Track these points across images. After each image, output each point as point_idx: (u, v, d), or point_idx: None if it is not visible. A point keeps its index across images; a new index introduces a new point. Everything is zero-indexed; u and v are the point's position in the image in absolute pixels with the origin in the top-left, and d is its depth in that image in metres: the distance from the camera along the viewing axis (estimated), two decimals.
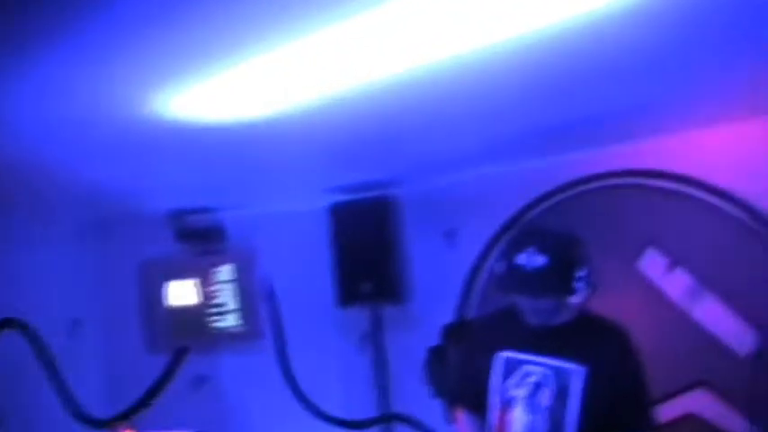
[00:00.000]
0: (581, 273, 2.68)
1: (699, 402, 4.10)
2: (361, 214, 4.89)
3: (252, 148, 3.63)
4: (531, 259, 2.64)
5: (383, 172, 4.58)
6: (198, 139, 3.33)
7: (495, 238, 4.72)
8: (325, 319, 5.32)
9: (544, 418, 2.73)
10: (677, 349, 4.13)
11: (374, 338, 5.06)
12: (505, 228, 4.69)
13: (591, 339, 2.78)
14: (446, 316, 4.93)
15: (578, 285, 2.67)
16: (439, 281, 4.99)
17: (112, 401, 4.77)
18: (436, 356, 4.95)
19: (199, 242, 5.12)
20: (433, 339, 4.98)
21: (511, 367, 2.81)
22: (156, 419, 4.71)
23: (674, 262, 4.17)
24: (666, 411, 4.06)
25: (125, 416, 4.49)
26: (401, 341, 5.13)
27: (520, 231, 2.77)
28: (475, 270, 4.83)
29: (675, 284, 4.17)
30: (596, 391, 2.70)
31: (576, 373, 2.71)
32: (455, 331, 4.87)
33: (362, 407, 5.08)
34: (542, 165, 4.51)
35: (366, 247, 4.85)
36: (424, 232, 5.05)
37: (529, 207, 4.62)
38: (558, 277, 2.66)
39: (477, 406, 2.91)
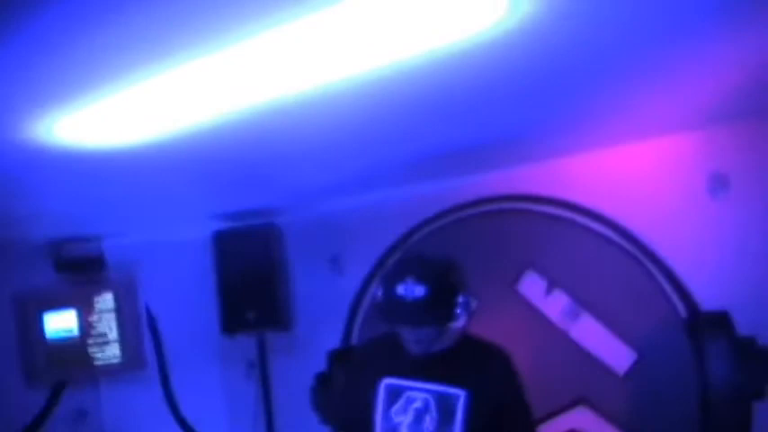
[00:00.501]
0: (460, 299, 2.69)
1: (579, 419, 4.19)
2: (246, 241, 4.85)
3: (133, 175, 3.57)
4: (409, 290, 2.64)
5: (267, 199, 4.56)
6: (79, 164, 3.25)
7: (379, 264, 4.75)
8: (210, 348, 5.25)
9: None
10: (557, 368, 4.20)
11: (260, 366, 5.01)
12: (389, 253, 4.73)
13: (472, 362, 2.82)
14: (331, 342, 4.92)
15: (458, 312, 2.68)
16: (324, 307, 4.98)
17: None
18: (322, 383, 4.93)
19: (78, 271, 5.00)
20: (319, 365, 4.97)
21: (394, 394, 2.81)
22: None
23: (553, 284, 4.27)
24: (549, 429, 4.15)
25: None
26: (286, 368, 5.10)
27: (397, 260, 2.77)
28: (359, 296, 4.84)
29: (554, 305, 4.26)
30: (479, 414, 2.74)
31: (458, 396, 2.74)
32: (340, 357, 4.86)
33: None
34: (426, 190, 4.56)
35: (251, 275, 4.81)
36: (309, 259, 5.05)
37: (412, 232, 4.67)
38: (437, 306, 2.66)
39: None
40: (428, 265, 2.72)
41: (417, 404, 2.78)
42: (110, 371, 5.05)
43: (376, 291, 2.82)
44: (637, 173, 4.05)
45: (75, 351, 4.97)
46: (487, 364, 2.85)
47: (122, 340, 5.00)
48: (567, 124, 3.57)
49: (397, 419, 2.80)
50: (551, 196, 4.27)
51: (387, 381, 2.83)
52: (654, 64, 2.81)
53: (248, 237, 4.85)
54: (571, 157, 4.17)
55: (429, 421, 2.75)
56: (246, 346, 5.10)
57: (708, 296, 3.89)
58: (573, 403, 4.20)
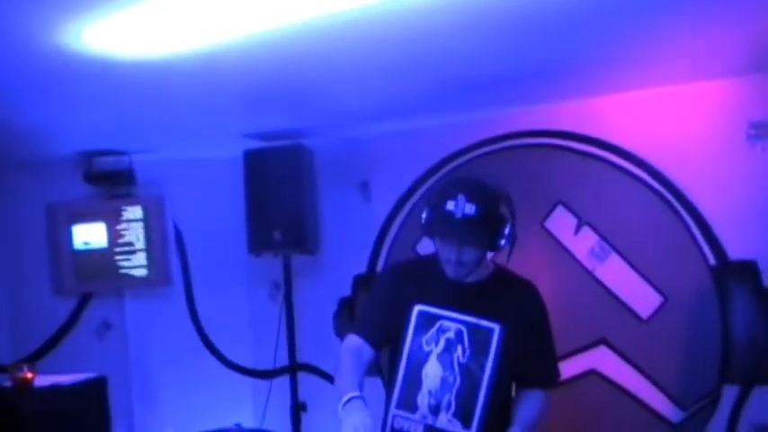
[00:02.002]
0: (508, 229, 2.65)
1: (599, 359, 4.20)
2: (276, 162, 4.83)
3: (165, 89, 3.54)
4: (460, 206, 2.59)
5: (299, 121, 4.53)
6: (109, 75, 3.22)
7: (409, 193, 4.74)
8: (236, 267, 5.30)
9: (459, 373, 2.75)
10: (581, 307, 4.21)
11: (284, 287, 5.05)
12: (419, 182, 4.71)
13: (506, 296, 2.80)
14: (356, 267, 4.96)
15: (503, 241, 2.65)
16: (350, 232, 4.99)
17: (16, 345, 4.67)
18: (347, 308, 4.98)
19: (108, 185, 5.01)
20: (343, 290, 5.01)
21: (427, 321, 2.80)
22: (61, 364, 4.64)
23: (582, 222, 4.24)
24: (569, 367, 4.17)
25: (29, 360, 4.40)
26: (310, 290, 5.13)
27: (450, 179, 2.69)
28: (387, 223, 4.84)
29: (582, 244, 4.24)
30: (511, 347, 2.73)
31: (492, 330, 2.73)
32: (366, 283, 4.90)
33: (270, 355, 5.08)
34: (458, 121, 4.53)
35: (279, 196, 4.81)
36: (338, 183, 5.05)
37: (444, 162, 4.65)
38: (486, 228, 2.62)
39: (379, 342, 2.89)
40: (482, 188, 2.67)
41: (449, 334, 2.76)
42: (136, 285, 5.10)
43: (423, 207, 2.77)
44: (674, 116, 3.98)
45: (102, 263, 5.02)
46: (521, 298, 2.83)
47: (149, 255, 5.05)
48: (605, 62, 3.50)
49: (427, 348, 2.79)
50: (587, 134, 4.21)
51: (420, 307, 2.81)
52: (698, 2, 2.74)
53: (278, 157, 4.83)
54: (608, 97, 4.10)
55: (460, 352, 2.75)
56: (272, 267, 5.14)
57: (737, 245, 3.85)
58: (594, 343, 4.20)
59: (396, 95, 3.96)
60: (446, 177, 4.56)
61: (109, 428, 4.15)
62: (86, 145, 4.74)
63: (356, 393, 2.63)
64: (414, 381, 2.81)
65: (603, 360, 4.19)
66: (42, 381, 4.01)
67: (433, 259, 2.82)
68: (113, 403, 4.21)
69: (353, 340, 2.87)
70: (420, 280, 2.85)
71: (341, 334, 4.97)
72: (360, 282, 4.95)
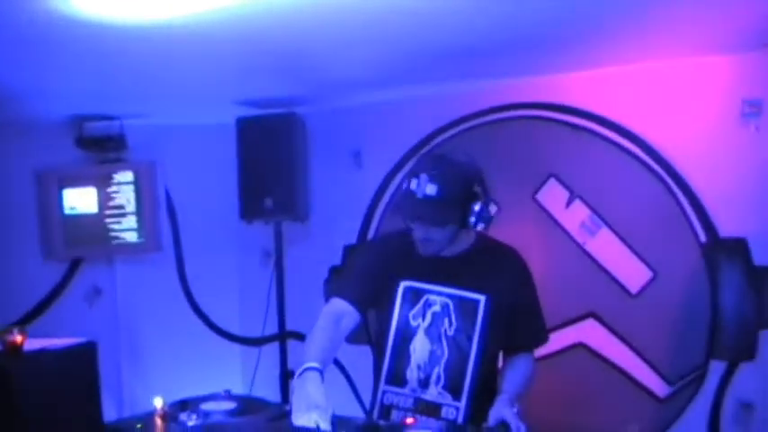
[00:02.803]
0: (475, 206, 2.63)
1: (588, 332, 4.23)
2: (268, 130, 4.82)
3: (156, 54, 3.50)
4: (421, 186, 2.59)
5: (291, 89, 4.50)
6: (100, 38, 3.17)
7: (400, 163, 4.73)
8: (227, 234, 5.30)
9: (447, 346, 2.78)
10: (570, 280, 4.22)
11: (275, 255, 5.06)
12: (411, 152, 4.70)
13: (491, 266, 2.81)
14: (347, 236, 4.96)
15: (471, 219, 2.63)
16: (341, 201, 4.99)
17: (5, 311, 4.66)
18: (337, 276, 4.99)
19: (99, 150, 4.98)
20: (333, 259, 5.02)
21: (413, 296, 2.81)
22: (50, 329, 4.63)
23: (574, 195, 4.24)
24: (557, 340, 4.19)
25: (18, 324, 4.39)
26: (301, 258, 5.14)
27: (421, 155, 2.70)
28: (378, 193, 4.84)
29: (573, 217, 4.24)
30: (498, 317, 2.76)
31: (478, 301, 2.76)
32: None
33: (260, 323, 5.10)
34: (451, 92, 4.51)
35: (271, 163, 4.80)
36: (330, 152, 5.04)
37: (436, 133, 4.63)
38: (447, 207, 2.61)
39: (363, 307, 2.86)
40: (447, 166, 2.64)
41: (436, 308, 2.79)
42: (126, 250, 5.09)
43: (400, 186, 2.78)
44: (669, 91, 3.96)
45: (92, 228, 5.00)
46: (505, 267, 2.85)
47: (140, 221, 5.03)
48: (600, 34, 3.46)
49: (414, 323, 2.81)
50: (581, 108, 4.20)
51: (406, 283, 2.82)
52: None
53: (271, 125, 4.82)
54: (603, 70, 4.08)
55: (447, 325, 2.78)
56: (263, 235, 5.14)
57: (728, 222, 3.86)
58: (583, 316, 4.22)
59: (388, 65, 3.94)
60: (427, 151, 4.57)
61: (98, 393, 4.16)
62: (77, 109, 4.70)
63: (315, 365, 2.53)
64: (402, 356, 2.83)
65: (592, 333, 4.21)
66: (32, 345, 4.00)
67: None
68: (102, 369, 4.21)
69: (336, 304, 2.83)
70: (406, 255, 2.84)
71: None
72: (350, 251, 4.96)
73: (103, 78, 3.96)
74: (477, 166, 2.72)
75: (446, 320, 2.77)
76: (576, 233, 4.23)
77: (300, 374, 2.52)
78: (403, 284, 2.82)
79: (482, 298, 2.76)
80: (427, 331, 2.79)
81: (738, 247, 3.81)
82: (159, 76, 3.96)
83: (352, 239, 4.94)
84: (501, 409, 2.62)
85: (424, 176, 2.59)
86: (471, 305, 2.76)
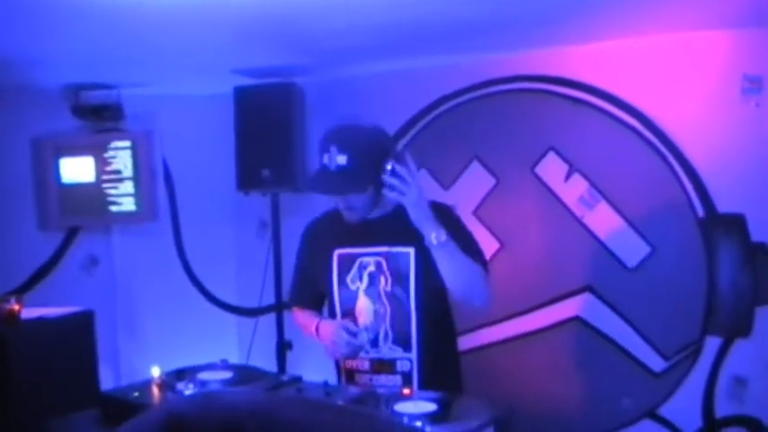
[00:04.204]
0: (388, 166, 2.68)
1: (584, 306, 4.24)
2: (266, 99, 4.78)
3: (153, 21, 3.45)
4: (332, 159, 2.71)
5: (289, 58, 4.46)
6: (97, 4, 3.15)
7: (399, 135, 4.71)
8: (224, 204, 5.29)
9: (388, 302, 2.87)
10: (568, 254, 4.23)
11: (272, 225, 5.05)
12: (410, 124, 4.69)
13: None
14: None
15: (386, 179, 2.69)
16: None
17: (1, 279, 4.65)
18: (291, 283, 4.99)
19: (96, 118, 4.94)
20: None
21: (347, 262, 2.92)
22: (47, 298, 4.63)
23: (573, 169, 4.23)
24: (553, 313, 4.21)
25: (14, 293, 4.38)
26: (298, 229, 5.11)
27: (326, 131, 2.78)
28: None
29: (571, 191, 4.24)
30: (429, 265, 2.81)
31: (407, 254, 2.85)
32: None
33: (256, 293, 5.10)
34: (450, 64, 4.49)
35: (269, 133, 4.78)
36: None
37: (434, 105, 4.62)
38: (359, 174, 2.72)
39: (314, 304, 3.13)
40: (351, 134, 2.79)
41: (371, 268, 2.89)
42: (123, 219, 5.07)
43: None
44: (669, 66, 3.95)
45: (89, 197, 4.98)
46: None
47: (137, 190, 5.01)
48: (602, 6, 3.44)
49: (353, 286, 2.92)
50: (581, 81, 4.18)
51: (338, 251, 2.94)
52: None
53: (269, 95, 4.79)
54: (604, 43, 4.07)
55: (384, 282, 2.87)
56: (260, 206, 5.13)
57: (726, 198, 3.86)
58: (579, 290, 4.23)
59: (388, 35, 3.91)
60: (432, 122, 4.58)
61: (95, 362, 4.16)
62: (73, 78, 4.66)
63: (318, 318, 3.02)
64: (351, 320, 2.92)
65: (588, 307, 4.22)
66: (29, 313, 4.00)
67: (338, 209, 2.93)
68: (99, 338, 4.21)
69: (299, 312, 3.18)
70: (331, 229, 3.00)
71: None
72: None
73: (100, 45, 3.92)
74: (379, 127, 2.89)
75: (382, 278, 2.87)
76: (575, 207, 4.22)
77: (317, 331, 2.97)
78: (336, 253, 2.94)
79: (411, 250, 2.84)
80: (367, 292, 2.90)
81: (736, 223, 3.82)
82: (156, 43, 3.92)
83: None
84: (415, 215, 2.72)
85: (333, 149, 2.72)
86: (403, 258, 2.85)
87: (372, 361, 2.92)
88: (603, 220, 4.16)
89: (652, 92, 4.01)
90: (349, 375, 2.99)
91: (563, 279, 4.24)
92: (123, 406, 2.59)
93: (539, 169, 4.30)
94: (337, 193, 2.81)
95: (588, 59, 4.15)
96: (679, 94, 3.94)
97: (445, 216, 2.86)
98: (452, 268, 2.79)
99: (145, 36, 3.74)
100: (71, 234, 5.13)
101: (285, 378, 2.91)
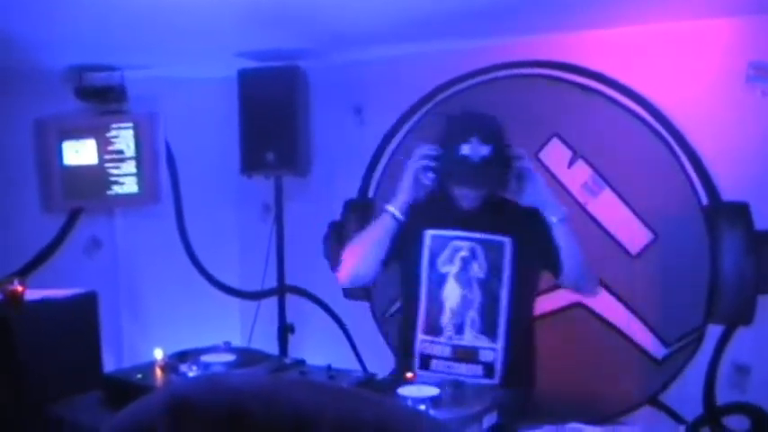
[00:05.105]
0: (515, 158, 2.73)
1: None
2: (270, 82, 4.79)
3: (158, 4, 3.46)
4: (475, 150, 2.65)
5: (294, 41, 4.45)
6: None
7: (402, 120, 4.71)
8: (227, 187, 5.29)
9: (478, 289, 2.83)
10: None
11: (275, 209, 5.05)
12: (414, 109, 4.68)
13: (513, 213, 2.88)
14: (347, 192, 4.95)
15: (519, 166, 2.73)
16: (342, 156, 4.97)
17: (4, 262, 4.66)
18: (336, 232, 4.99)
19: (99, 100, 4.93)
20: (333, 214, 5.01)
21: (439, 244, 2.87)
22: (49, 281, 4.64)
23: (576, 155, 4.22)
24: (555, 299, 4.20)
25: (17, 275, 4.39)
26: (300, 213, 5.14)
27: (452, 119, 2.75)
28: (380, 149, 4.82)
29: (575, 177, 4.23)
30: (524, 259, 2.83)
31: (503, 243, 2.82)
32: (357, 209, 4.90)
33: (259, 277, 5.11)
34: (454, 49, 4.47)
35: (272, 116, 4.79)
36: (332, 106, 5.01)
37: (438, 90, 4.60)
38: (500, 166, 2.70)
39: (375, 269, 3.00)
40: (487, 123, 2.76)
41: (463, 253, 2.84)
42: (126, 202, 5.08)
43: (435, 152, 2.78)
44: (675, 53, 3.93)
45: (92, 180, 4.98)
46: (525, 214, 2.88)
47: (140, 172, 5.01)
48: None
49: (443, 269, 2.87)
50: (585, 67, 4.17)
51: (431, 231, 2.89)
52: None
53: (273, 78, 4.80)
54: (609, 30, 4.04)
55: (477, 268, 2.83)
56: (263, 189, 5.13)
57: (731, 186, 3.84)
58: None
59: (393, 19, 3.89)
60: (436, 106, 4.56)
61: (98, 344, 4.18)
62: (77, 59, 4.65)
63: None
64: (435, 304, 2.89)
65: None
66: (32, 295, 4.01)
67: (433, 191, 2.87)
68: (102, 320, 4.23)
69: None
70: (426, 209, 2.91)
71: (330, 257, 4.99)
72: (350, 207, 4.95)
73: (103, 27, 3.91)
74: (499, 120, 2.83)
75: (474, 264, 2.83)
76: (578, 193, 4.21)
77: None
78: (428, 233, 2.88)
79: (507, 240, 2.82)
80: (457, 277, 2.85)
81: (740, 211, 3.81)
82: (160, 25, 3.90)
83: (353, 194, 4.93)
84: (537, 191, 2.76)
85: (475, 139, 2.65)
86: (497, 247, 2.83)
87: (455, 348, 2.87)
88: (607, 207, 4.15)
89: (657, 79, 3.99)
90: (423, 361, 2.91)
91: None
92: (126, 388, 2.60)
93: (542, 155, 4.29)
94: (488, 188, 2.76)
95: (593, 46, 4.13)
96: (684, 82, 3.92)
97: (540, 218, 2.86)
98: (571, 248, 2.80)
99: (149, 18, 3.73)
100: (74, 216, 5.13)
101: (288, 361, 2.92)
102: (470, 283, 2.84)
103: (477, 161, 2.66)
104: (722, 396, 3.90)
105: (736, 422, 3.84)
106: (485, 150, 2.64)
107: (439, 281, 2.88)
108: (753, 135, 3.75)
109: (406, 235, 2.92)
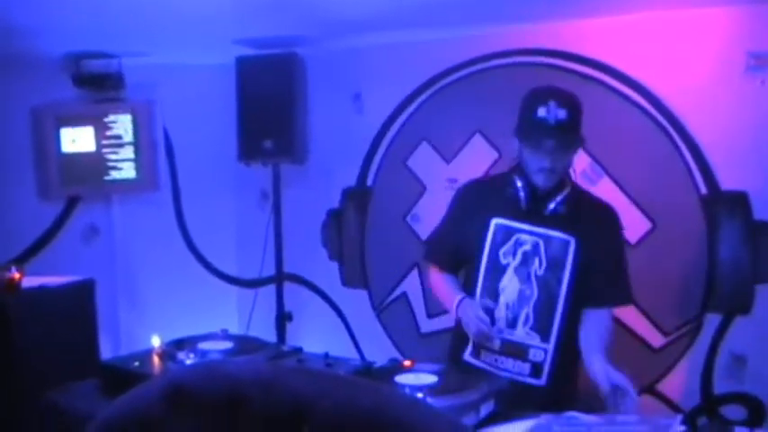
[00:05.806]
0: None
1: None
2: (268, 70, 4.79)
3: None
4: (552, 112, 2.65)
5: (291, 28, 4.44)
6: None
7: (401, 107, 4.69)
8: (225, 175, 5.29)
9: (537, 286, 2.80)
10: None
11: (273, 196, 5.05)
12: (413, 96, 4.66)
13: (582, 212, 2.85)
14: (345, 180, 4.95)
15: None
16: (340, 144, 4.97)
17: (2, 248, 4.65)
18: (335, 219, 4.99)
19: (97, 88, 4.92)
20: (331, 201, 5.01)
21: (504, 234, 2.84)
22: (47, 268, 4.63)
23: None
24: None
25: (15, 262, 4.39)
26: (298, 200, 5.13)
27: (532, 89, 2.75)
28: (378, 137, 4.81)
29: (574, 165, 4.21)
30: (587, 262, 2.79)
31: (568, 242, 2.79)
32: (355, 196, 4.90)
33: (257, 264, 5.10)
34: (454, 36, 4.45)
35: (270, 104, 4.78)
36: (330, 94, 5.00)
37: (437, 78, 4.59)
38: (576, 129, 2.73)
39: (453, 266, 3.03)
40: (564, 92, 2.76)
41: (526, 247, 2.81)
42: (124, 189, 5.07)
43: (523, 115, 2.78)
44: (675, 42, 3.92)
45: (90, 167, 4.97)
46: (598, 215, 2.90)
47: (138, 159, 5.00)
48: None
49: (504, 261, 2.84)
50: (585, 55, 4.15)
51: (497, 221, 2.85)
52: None
53: (271, 65, 4.79)
54: (609, 18, 4.03)
55: (537, 264, 2.80)
56: (261, 176, 5.12)
57: (730, 176, 3.84)
58: None
59: (391, 5, 3.88)
60: (435, 94, 4.53)
61: (96, 331, 4.18)
62: (74, 46, 4.63)
63: (462, 295, 2.87)
64: (491, 294, 2.86)
65: None
66: (30, 282, 4.01)
67: (504, 177, 2.89)
68: (99, 307, 4.23)
69: (436, 275, 3.07)
70: (494, 196, 2.88)
71: (328, 245, 4.99)
72: (349, 195, 4.95)
73: (101, 14, 3.89)
74: None
75: (536, 260, 2.80)
76: (577, 181, 4.20)
77: (458, 305, 2.85)
78: (494, 222, 2.85)
79: (572, 240, 2.79)
80: (517, 270, 2.82)
81: (739, 200, 3.80)
82: (158, 12, 3.89)
83: (351, 182, 4.92)
84: (608, 372, 2.66)
85: (552, 103, 2.66)
86: (562, 246, 2.79)
87: (504, 342, 2.84)
88: (605, 196, 4.11)
89: (657, 68, 3.97)
90: (476, 350, 2.90)
91: None
92: (123, 375, 2.59)
93: None
94: (558, 146, 2.70)
95: (593, 34, 4.12)
96: (684, 71, 3.91)
97: (610, 223, 2.91)
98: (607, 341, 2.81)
99: (147, 5, 3.71)
100: (71, 204, 5.13)
101: (286, 349, 2.91)
102: (529, 279, 2.80)
103: (552, 123, 2.65)
104: (719, 385, 3.90)
105: (734, 412, 3.85)
106: (561, 114, 2.65)
107: (499, 271, 2.85)
108: (752, 125, 3.74)
109: (473, 219, 2.90)
